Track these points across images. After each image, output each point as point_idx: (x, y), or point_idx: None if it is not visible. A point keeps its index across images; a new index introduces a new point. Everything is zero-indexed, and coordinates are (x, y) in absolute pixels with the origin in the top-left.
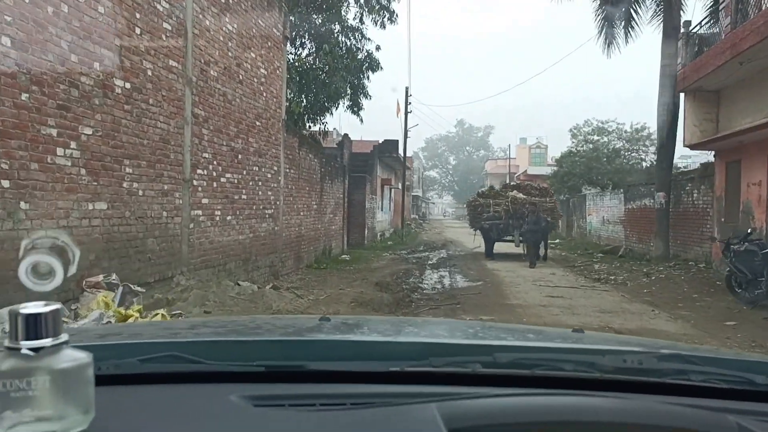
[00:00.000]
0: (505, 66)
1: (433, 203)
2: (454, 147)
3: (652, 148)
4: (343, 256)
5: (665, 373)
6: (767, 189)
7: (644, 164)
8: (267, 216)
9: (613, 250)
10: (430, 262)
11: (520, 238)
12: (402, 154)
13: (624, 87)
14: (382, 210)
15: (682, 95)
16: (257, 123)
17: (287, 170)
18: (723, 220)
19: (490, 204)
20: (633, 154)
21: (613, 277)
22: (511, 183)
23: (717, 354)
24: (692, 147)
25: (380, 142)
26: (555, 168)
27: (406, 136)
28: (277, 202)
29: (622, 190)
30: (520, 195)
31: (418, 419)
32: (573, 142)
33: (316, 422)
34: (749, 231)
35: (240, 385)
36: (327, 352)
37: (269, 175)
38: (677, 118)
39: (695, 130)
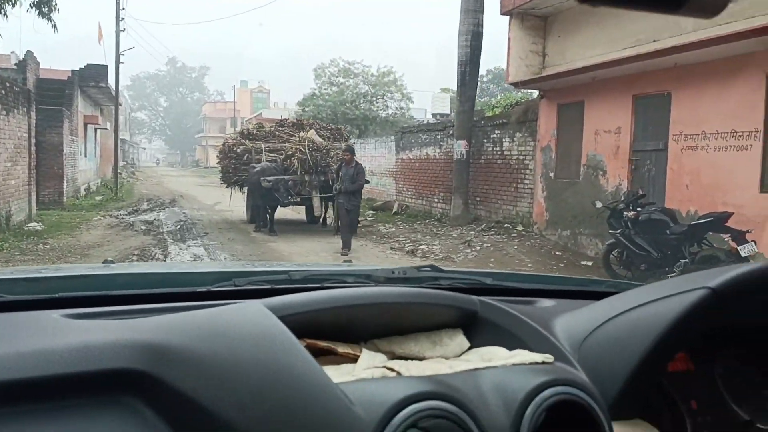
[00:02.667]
0: None
1: (143, 148)
2: (165, 87)
3: (398, 95)
4: (32, 225)
5: (423, 280)
6: (631, 137)
7: (390, 111)
8: None
9: (384, 206)
10: (167, 229)
11: (328, 202)
12: (114, 85)
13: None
14: (86, 156)
15: (486, 21)
16: None
17: None
18: (552, 175)
19: (261, 149)
20: (379, 100)
21: (425, 247)
22: (296, 120)
23: (462, 268)
24: (518, 85)
25: (84, 66)
26: (298, 111)
27: (118, 61)
28: None
29: (392, 138)
30: (318, 138)
31: (249, 311)
32: (317, 84)
33: (143, 324)
34: (639, 193)
35: (53, 311)
36: (133, 282)
37: None
38: (480, 50)
39: (521, 65)
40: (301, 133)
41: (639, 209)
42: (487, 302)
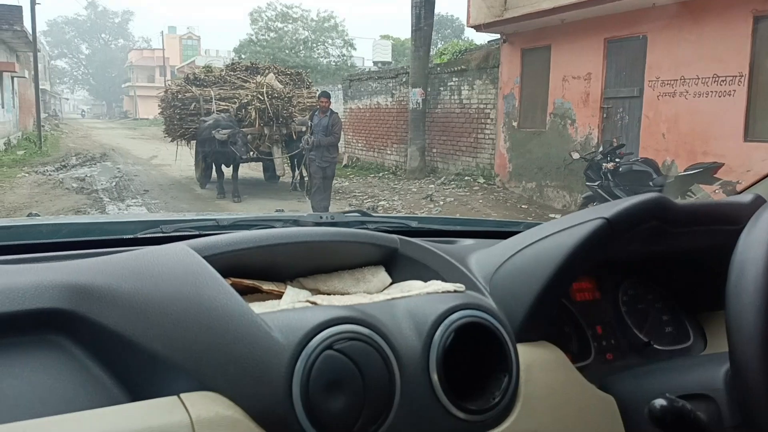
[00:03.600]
0: None
1: (66, 99)
2: (86, 33)
3: (339, 41)
4: None
5: (351, 224)
6: (603, 84)
7: (331, 58)
8: None
9: None
10: (101, 186)
11: (295, 160)
12: (30, 28)
13: None
14: (3, 107)
15: None
16: None
17: None
18: (516, 124)
19: (212, 97)
20: (320, 47)
21: (385, 203)
22: (251, 63)
23: (393, 215)
24: (479, 28)
25: None
26: (234, 58)
27: (33, 1)
28: None
29: (339, 86)
30: (278, 84)
31: (173, 251)
32: (254, 29)
33: (67, 266)
34: (616, 143)
35: None
36: (58, 231)
37: None
38: None
39: (482, 6)
40: (259, 78)
41: (618, 160)
42: (406, 240)
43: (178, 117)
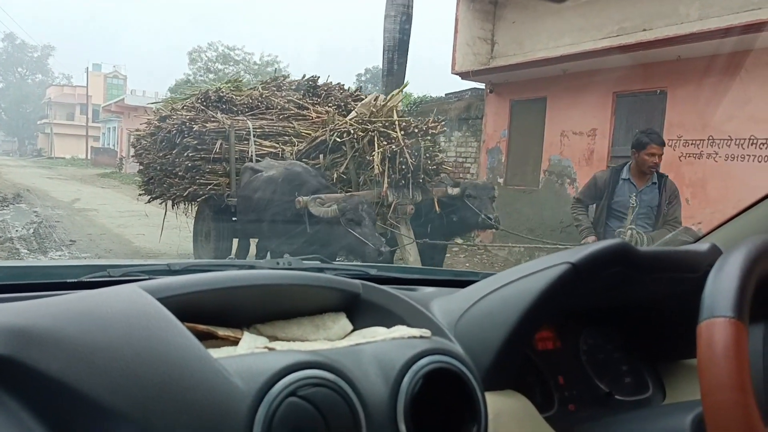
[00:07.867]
0: None
1: None
2: (1, 66)
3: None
4: None
5: (309, 271)
6: (610, 141)
7: None
8: None
9: None
10: (17, 233)
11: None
12: None
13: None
14: None
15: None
16: None
17: None
18: (502, 181)
19: (250, 131)
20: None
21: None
22: (305, 78)
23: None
24: (465, 76)
25: None
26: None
27: None
28: None
29: None
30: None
31: (123, 293)
32: (192, 69)
33: (5, 308)
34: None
35: None
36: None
37: None
38: (410, 35)
39: (468, 53)
40: (377, 101)
41: None
42: (369, 285)
43: (186, 163)
